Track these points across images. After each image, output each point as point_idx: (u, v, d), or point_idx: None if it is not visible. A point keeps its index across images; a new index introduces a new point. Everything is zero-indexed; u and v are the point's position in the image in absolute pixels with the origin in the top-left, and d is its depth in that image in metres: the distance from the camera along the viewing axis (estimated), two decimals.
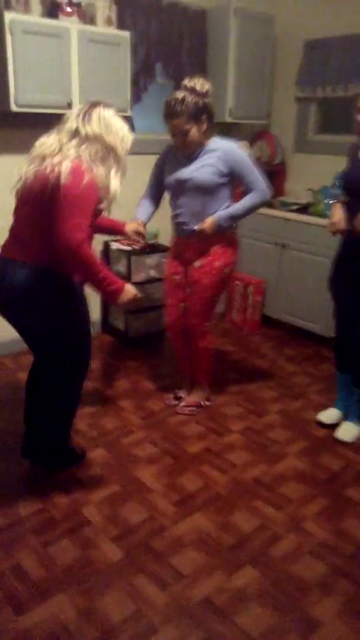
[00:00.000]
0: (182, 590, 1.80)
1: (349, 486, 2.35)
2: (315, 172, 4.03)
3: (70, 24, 2.92)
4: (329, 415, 2.80)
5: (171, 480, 2.35)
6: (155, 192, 2.78)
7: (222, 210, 2.57)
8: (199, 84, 2.42)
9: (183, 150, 2.53)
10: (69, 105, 2.96)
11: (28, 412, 2.34)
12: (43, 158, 1.91)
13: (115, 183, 1.96)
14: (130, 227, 2.57)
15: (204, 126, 2.46)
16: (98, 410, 2.89)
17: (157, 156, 2.77)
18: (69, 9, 2.94)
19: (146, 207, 2.76)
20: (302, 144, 4.15)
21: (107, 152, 1.94)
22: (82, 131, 1.92)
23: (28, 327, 2.12)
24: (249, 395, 3.11)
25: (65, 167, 1.84)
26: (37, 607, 1.72)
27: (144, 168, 2.84)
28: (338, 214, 2.46)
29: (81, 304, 2.15)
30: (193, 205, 2.58)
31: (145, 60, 3.49)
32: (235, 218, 2.58)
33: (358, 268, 2.46)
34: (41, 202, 1.90)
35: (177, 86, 3.67)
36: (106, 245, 3.70)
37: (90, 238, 2.01)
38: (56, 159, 1.88)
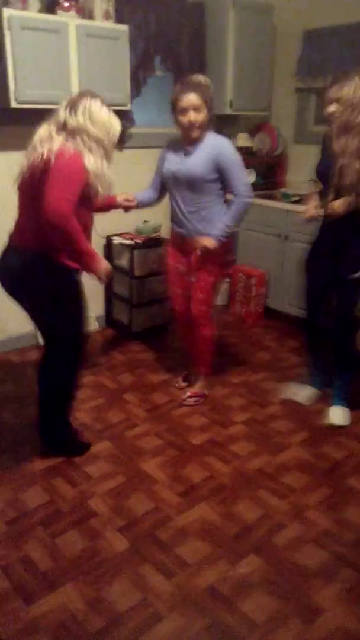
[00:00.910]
0: (187, 579, 1.84)
1: (350, 475, 2.37)
2: (316, 163, 4.01)
3: (68, 19, 2.92)
4: (305, 394, 2.97)
5: (176, 472, 2.39)
6: (158, 184, 2.82)
7: (217, 214, 2.62)
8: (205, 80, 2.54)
9: (188, 133, 2.53)
10: None
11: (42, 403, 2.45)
12: (34, 148, 2.02)
13: (104, 170, 2.05)
14: (120, 197, 2.67)
15: (208, 116, 2.52)
16: (103, 403, 2.92)
17: (158, 150, 2.79)
18: (66, 4, 2.94)
19: (145, 191, 2.82)
20: (302, 134, 4.13)
21: (94, 142, 2.03)
22: (68, 123, 2.02)
23: (31, 309, 2.27)
24: (252, 387, 3.13)
25: (53, 149, 1.95)
26: (46, 597, 1.76)
27: (143, 161, 2.86)
28: (310, 203, 2.63)
29: (76, 290, 2.23)
30: (187, 202, 2.64)
31: (144, 54, 3.48)
32: (230, 227, 2.65)
33: (333, 245, 2.58)
34: (32, 188, 2.01)
35: (177, 79, 3.69)
36: (108, 240, 3.72)
37: (87, 224, 2.14)
38: (45, 147, 1.97)
